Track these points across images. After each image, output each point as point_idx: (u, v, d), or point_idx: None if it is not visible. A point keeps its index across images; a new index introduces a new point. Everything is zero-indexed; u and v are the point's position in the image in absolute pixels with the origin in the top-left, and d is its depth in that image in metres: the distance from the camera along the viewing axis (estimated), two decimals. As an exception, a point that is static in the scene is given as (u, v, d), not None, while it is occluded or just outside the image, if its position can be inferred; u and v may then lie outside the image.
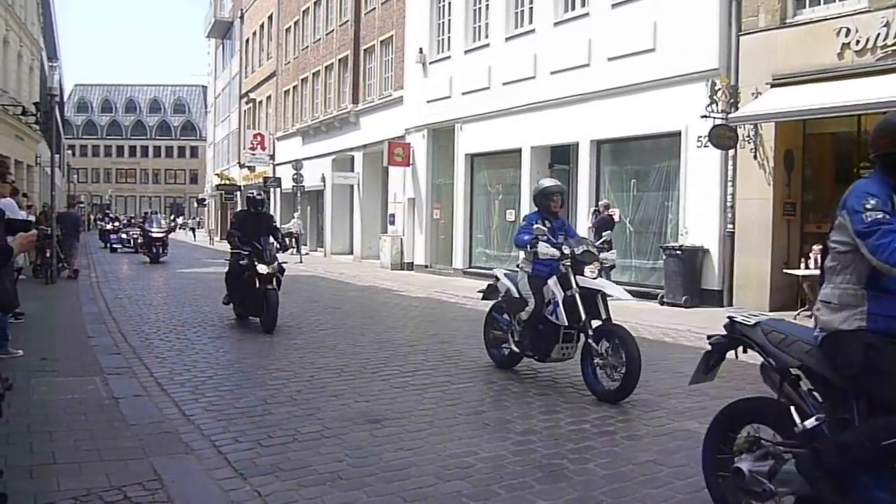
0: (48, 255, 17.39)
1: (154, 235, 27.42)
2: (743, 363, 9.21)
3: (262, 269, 10.90)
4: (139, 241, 30.78)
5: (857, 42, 12.04)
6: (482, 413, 6.48)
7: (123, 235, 34.31)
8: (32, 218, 15.97)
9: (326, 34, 32.56)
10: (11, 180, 9.80)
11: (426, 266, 23.58)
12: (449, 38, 22.74)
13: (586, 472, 5.04)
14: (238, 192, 46.92)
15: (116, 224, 41.23)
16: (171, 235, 36.08)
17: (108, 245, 36.19)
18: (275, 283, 11.02)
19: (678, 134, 14.94)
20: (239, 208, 36.03)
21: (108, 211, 64.07)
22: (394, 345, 10.13)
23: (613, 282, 15.49)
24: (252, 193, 12.54)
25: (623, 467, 5.13)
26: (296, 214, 35.95)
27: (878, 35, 11.78)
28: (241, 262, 11.34)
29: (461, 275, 21.36)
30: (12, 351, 8.51)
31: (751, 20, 13.78)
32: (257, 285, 10.96)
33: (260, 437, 5.69)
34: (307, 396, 7.03)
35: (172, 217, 71.78)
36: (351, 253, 30.20)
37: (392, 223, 26.00)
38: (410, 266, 24.35)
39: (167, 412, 6.39)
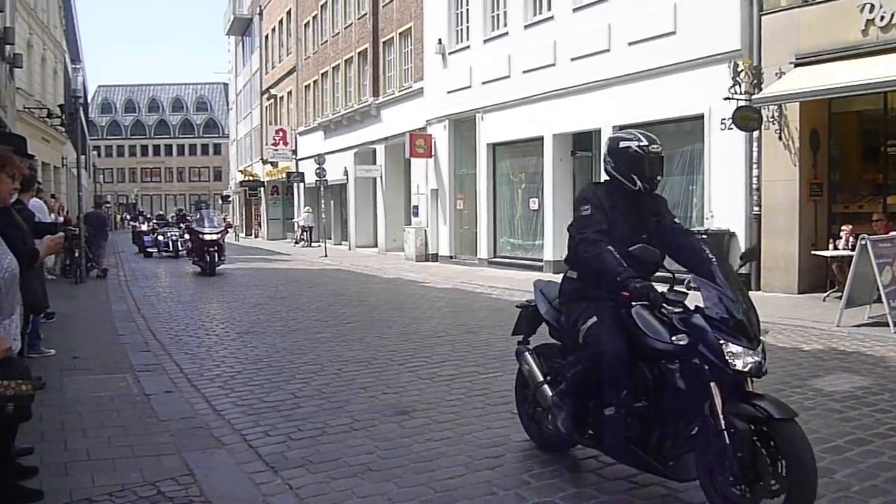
0: (77, 255, 17.58)
1: (207, 237, 20.53)
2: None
3: (741, 358, 3.86)
4: (184, 244, 26.07)
5: (882, 18, 11.84)
6: (511, 403, 6.44)
7: (160, 237, 29.03)
8: (61, 219, 16.20)
9: (345, 28, 32.57)
10: (38, 187, 9.87)
11: (451, 257, 23.57)
12: (467, 27, 22.66)
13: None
14: (262, 188, 47.18)
15: (152, 223, 34.84)
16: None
17: (142, 249, 30.18)
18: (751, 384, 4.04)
19: (701, 117, 14.80)
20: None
21: (141, 209, 58.01)
22: (420, 336, 10.15)
23: None
24: (638, 141, 4.52)
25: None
26: (306, 208, 36.36)
27: (903, 10, 11.58)
28: (646, 333, 4.24)
29: (486, 265, 21.33)
30: (45, 350, 8.63)
31: (773, -1, 13.61)
32: (717, 406, 3.88)
33: (290, 431, 5.72)
34: (335, 389, 7.07)
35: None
36: (375, 246, 30.25)
37: (416, 215, 26.01)
38: (435, 257, 24.35)
39: (198, 408, 6.45)
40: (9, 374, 4.01)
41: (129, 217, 67.35)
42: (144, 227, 33.33)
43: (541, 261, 19.31)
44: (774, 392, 6.63)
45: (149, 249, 29.21)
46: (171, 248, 27.87)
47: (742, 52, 13.93)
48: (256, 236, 49.44)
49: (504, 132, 20.88)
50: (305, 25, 38.44)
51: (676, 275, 4.46)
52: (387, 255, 27.52)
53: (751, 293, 13.89)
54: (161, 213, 54.31)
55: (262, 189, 47.62)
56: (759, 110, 13.50)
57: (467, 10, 22.61)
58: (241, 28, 54.97)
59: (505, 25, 20.81)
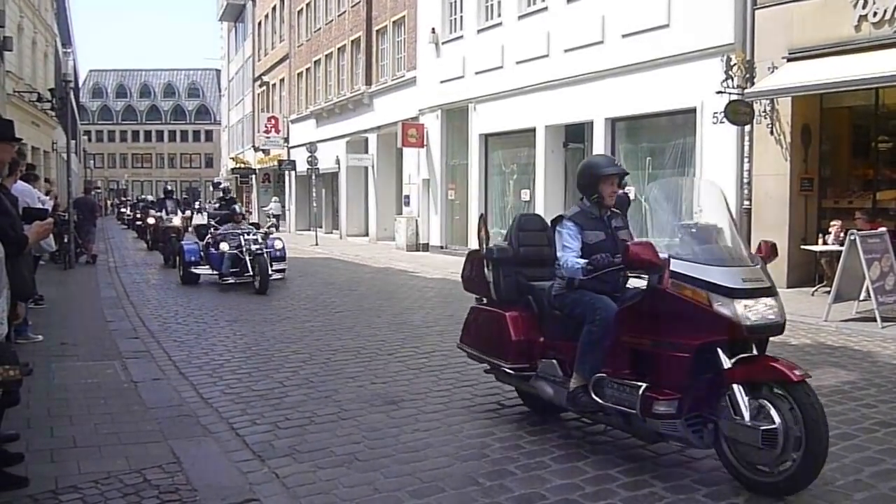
0: (66, 240, 17.50)
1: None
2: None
3: None
4: (272, 257, 14.82)
5: (875, 14, 11.85)
6: (498, 394, 6.49)
7: (224, 245, 14.63)
8: (51, 204, 16.10)
9: (338, 15, 32.43)
10: (22, 169, 9.76)
11: (441, 247, 23.56)
12: (461, 17, 22.59)
13: (602, 451, 5.05)
14: (254, 176, 47.08)
15: (187, 214, 22.07)
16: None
17: (181, 264, 15.38)
18: None
19: (693, 110, 14.80)
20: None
21: (170, 189, 28.61)
22: (410, 326, 10.16)
23: None
24: None
25: (639, 447, 5.12)
26: (275, 198, 36.67)
27: (896, 6, 11.59)
28: None
29: (477, 255, 21.30)
30: (32, 336, 8.59)
31: (766, -7, 13.60)
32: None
33: (277, 420, 5.73)
34: (324, 379, 7.07)
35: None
36: (366, 235, 30.22)
37: (407, 204, 25.98)
38: (426, 247, 24.34)
39: (186, 395, 6.45)
40: (-4, 360, 4.00)
41: (117, 202, 66.38)
42: (176, 222, 20.28)
43: (531, 252, 19.30)
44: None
45: (194, 270, 15.17)
46: (251, 272, 14.11)
47: (735, 45, 13.91)
48: (248, 224, 49.26)
49: (496, 123, 20.85)
50: (298, 12, 38.25)
51: None
52: (377, 245, 27.48)
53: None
54: (216, 195, 38.32)
55: (253, 176, 47.49)
56: (751, 104, 13.50)
57: (461, -1, 22.56)
58: (234, 14, 54.69)
59: (499, 16, 20.75)
